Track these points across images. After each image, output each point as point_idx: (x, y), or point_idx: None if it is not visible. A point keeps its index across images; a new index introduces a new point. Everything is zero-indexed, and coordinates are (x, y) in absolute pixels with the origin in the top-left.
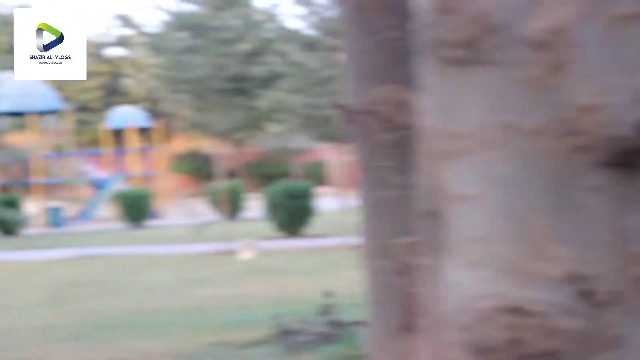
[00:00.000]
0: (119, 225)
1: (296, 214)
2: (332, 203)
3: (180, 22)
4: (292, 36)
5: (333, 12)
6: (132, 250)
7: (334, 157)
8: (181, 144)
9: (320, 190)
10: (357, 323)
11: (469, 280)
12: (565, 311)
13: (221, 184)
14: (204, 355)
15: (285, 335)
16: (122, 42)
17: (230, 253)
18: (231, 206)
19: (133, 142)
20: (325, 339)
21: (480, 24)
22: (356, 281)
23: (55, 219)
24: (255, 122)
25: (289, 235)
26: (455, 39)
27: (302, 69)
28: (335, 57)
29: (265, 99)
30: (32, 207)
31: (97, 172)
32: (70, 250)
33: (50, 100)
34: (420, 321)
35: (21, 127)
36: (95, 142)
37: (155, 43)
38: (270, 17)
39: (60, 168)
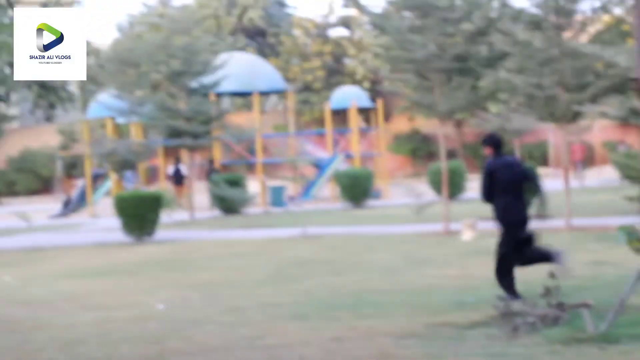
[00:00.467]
0: (340, 205)
1: None
2: (554, 184)
3: (405, 1)
4: (517, 15)
5: None
6: (352, 230)
7: (556, 137)
8: (402, 124)
9: (542, 171)
10: (581, 305)
11: None
12: None
13: (441, 164)
14: (427, 335)
15: (508, 317)
16: (345, 22)
17: (451, 234)
18: (451, 187)
19: (354, 122)
20: (549, 321)
21: None
22: (580, 263)
23: (277, 198)
24: (478, 102)
25: None
26: None
27: (527, 48)
28: (561, 36)
29: (489, 79)
30: (254, 186)
31: (319, 152)
32: (292, 229)
33: (274, 80)
34: None
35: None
36: (317, 122)
37: (379, 23)
38: None
39: (282, 148)
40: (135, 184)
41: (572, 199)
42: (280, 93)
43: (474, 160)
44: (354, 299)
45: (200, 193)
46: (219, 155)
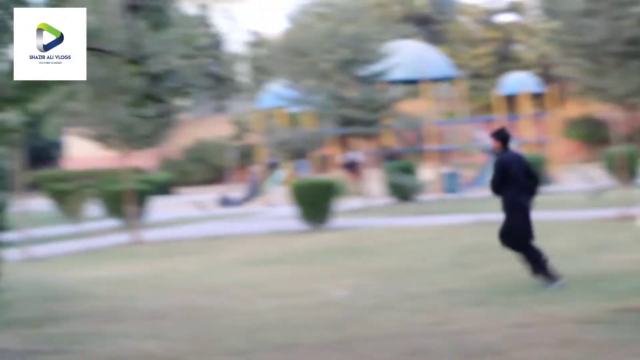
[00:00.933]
0: None
1: None
2: None
3: None
4: None
5: None
6: None
7: None
8: (574, 109)
9: None
10: None
11: None
12: None
13: (617, 149)
14: (611, 320)
15: None
16: (513, 8)
17: (628, 219)
18: (627, 171)
19: (525, 108)
20: None
21: None
22: None
23: (451, 184)
24: None
25: None
26: None
27: None
28: None
29: None
30: (427, 173)
31: (489, 139)
32: (467, 216)
33: (444, 67)
34: None
35: (415, 95)
36: (487, 109)
37: (549, 7)
38: None
39: (453, 135)
40: (308, 172)
41: None
42: (450, 80)
43: None
44: (533, 284)
45: (374, 181)
46: (389, 143)
